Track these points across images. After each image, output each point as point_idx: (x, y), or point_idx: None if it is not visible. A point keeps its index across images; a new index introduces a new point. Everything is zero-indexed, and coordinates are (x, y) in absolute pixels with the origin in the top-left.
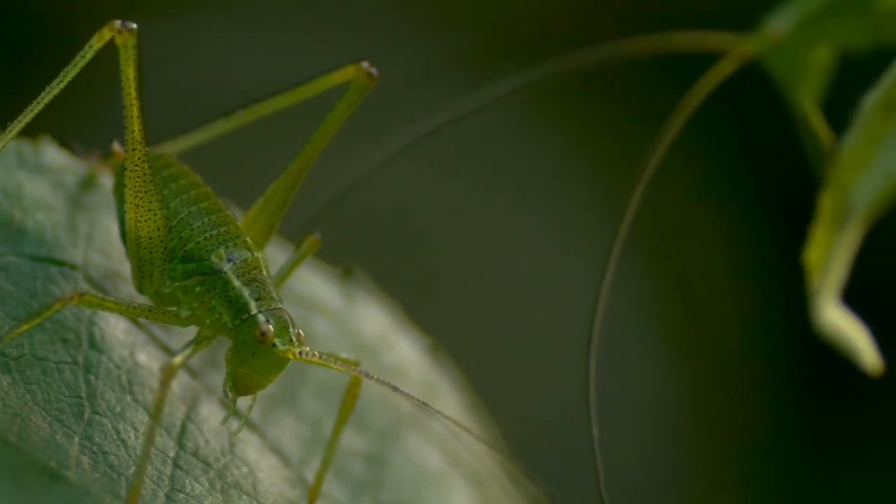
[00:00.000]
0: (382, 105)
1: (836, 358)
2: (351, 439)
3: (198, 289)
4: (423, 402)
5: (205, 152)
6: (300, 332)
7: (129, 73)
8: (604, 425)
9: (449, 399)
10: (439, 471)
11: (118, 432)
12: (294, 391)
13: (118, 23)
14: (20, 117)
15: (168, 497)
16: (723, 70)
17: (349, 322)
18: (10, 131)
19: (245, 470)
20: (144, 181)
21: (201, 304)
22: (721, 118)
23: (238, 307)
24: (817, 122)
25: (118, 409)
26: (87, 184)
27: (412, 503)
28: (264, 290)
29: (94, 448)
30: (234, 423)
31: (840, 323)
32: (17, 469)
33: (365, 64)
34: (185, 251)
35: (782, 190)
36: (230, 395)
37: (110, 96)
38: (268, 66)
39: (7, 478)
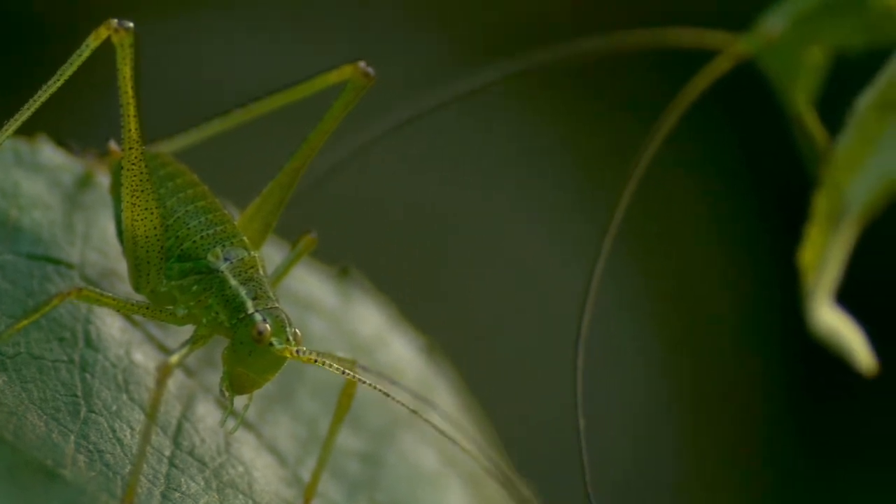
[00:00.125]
0: (379, 105)
1: (830, 358)
2: (347, 439)
3: (194, 288)
4: (417, 405)
5: (201, 151)
6: (297, 331)
7: (125, 71)
8: (598, 426)
9: (444, 399)
10: (435, 471)
11: (114, 431)
12: (290, 390)
13: (115, 21)
14: (17, 115)
15: (164, 496)
16: (717, 69)
17: (345, 321)
18: (6, 129)
19: (241, 469)
20: (141, 180)
21: (198, 303)
22: (716, 117)
23: (235, 306)
24: (812, 122)
25: (114, 407)
26: (84, 182)
27: (408, 503)
28: (261, 289)
29: (91, 447)
30: (231, 422)
31: (834, 323)
32: (13, 468)
33: (362, 63)
34: (181, 250)
35: (777, 189)
36: (227, 394)
37: (107, 95)
38: (265, 64)
39: (4, 476)
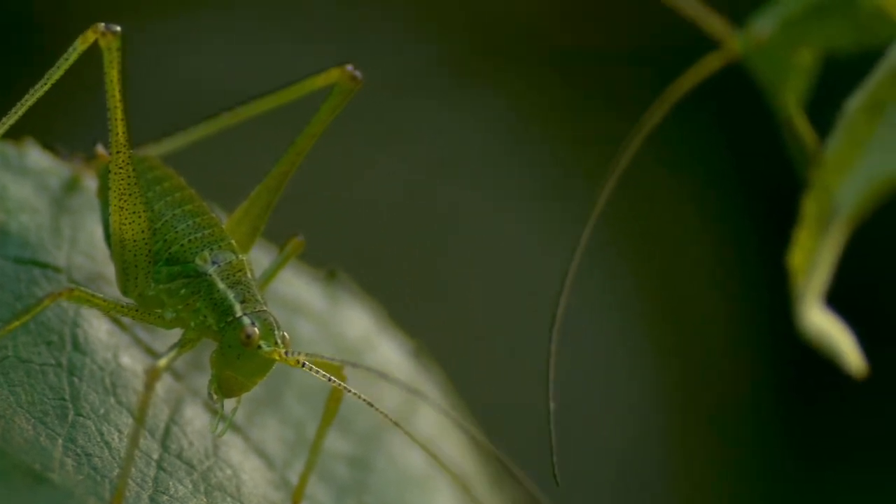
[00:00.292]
0: (367, 108)
1: (820, 360)
2: (335, 442)
3: (182, 291)
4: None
5: (189, 155)
6: (285, 334)
7: (112, 75)
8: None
9: (433, 401)
10: (423, 473)
11: (102, 434)
12: (278, 393)
13: (102, 25)
14: (4, 119)
15: (152, 499)
16: (705, 68)
17: (333, 324)
18: None
19: (229, 472)
20: (129, 184)
21: (186, 307)
22: (706, 119)
23: (223, 310)
24: (801, 124)
25: (102, 411)
26: (72, 186)
27: None
28: (249, 292)
29: (78, 450)
30: (219, 426)
31: (824, 325)
32: (1, 472)
33: (349, 67)
34: (169, 253)
35: (767, 191)
36: (215, 397)
37: (95, 99)
38: (252, 68)
39: None
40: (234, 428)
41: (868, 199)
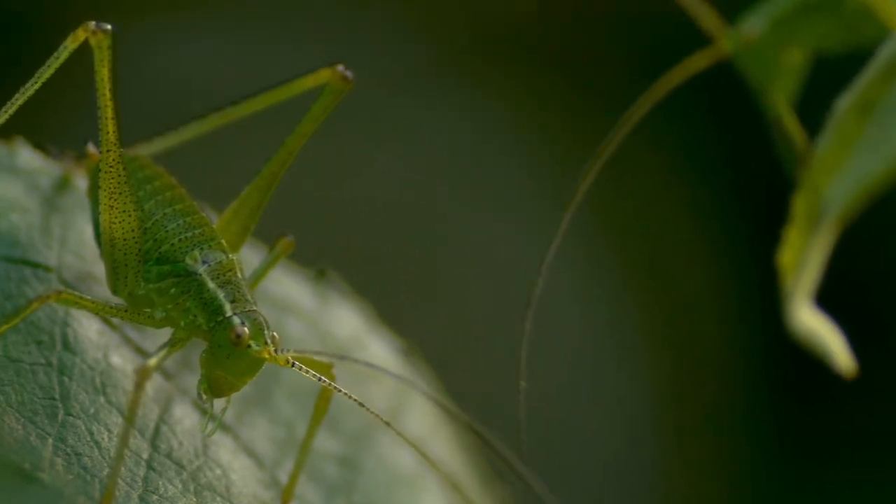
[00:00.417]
0: (358, 108)
1: (810, 360)
2: (324, 442)
3: (172, 290)
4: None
5: (180, 154)
6: (275, 334)
7: (103, 74)
8: (578, 425)
9: (422, 401)
10: (413, 473)
11: (92, 434)
12: (268, 393)
13: (92, 24)
14: None
15: (141, 499)
16: (694, 65)
17: (322, 323)
18: None
19: (218, 471)
20: (119, 183)
21: (176, 306)
22: (697, 117)
23: (213, 309)
24: (791, 124)
25: (92, 410)
26: (62, 186)
27: None
28: (239, 292)
29: (68, 450)
30: (209, 425)
31: (814, 325)
32: None
33: (340, 67)
34: (159, 253)
35: (759, 190)
36: (205, 397)
37: (85, 98)
38: (243, 68)
39: None
40: (224, 427)
41: (857, 199)
